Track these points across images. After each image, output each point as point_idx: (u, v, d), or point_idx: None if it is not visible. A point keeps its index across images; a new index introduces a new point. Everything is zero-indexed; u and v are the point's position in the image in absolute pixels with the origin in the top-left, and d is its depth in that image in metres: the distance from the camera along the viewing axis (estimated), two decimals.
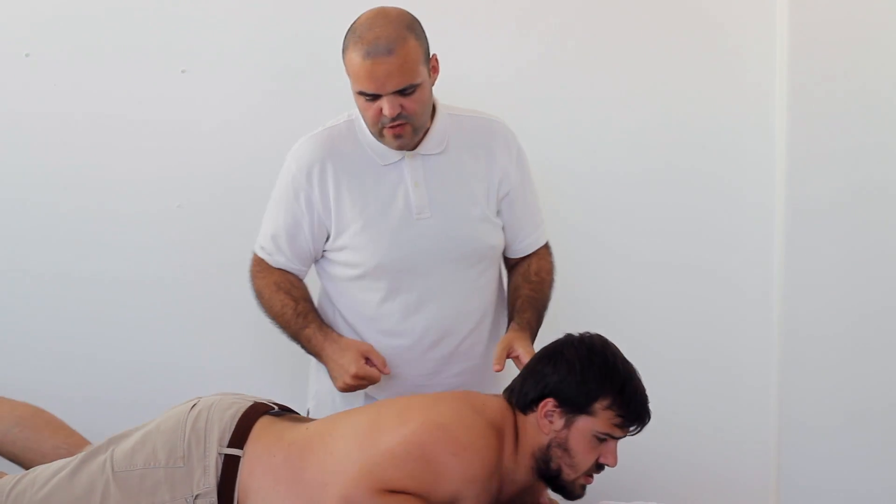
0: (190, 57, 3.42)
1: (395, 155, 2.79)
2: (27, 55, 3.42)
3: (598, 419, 2.44)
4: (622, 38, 3.42)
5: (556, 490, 2.51)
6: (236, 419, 2.54)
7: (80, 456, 2.57)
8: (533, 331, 2.83)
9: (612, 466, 2.49)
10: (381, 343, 2.82)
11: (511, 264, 2.96)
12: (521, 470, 2.49)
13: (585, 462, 2.46)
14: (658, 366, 3.44)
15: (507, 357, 2.76)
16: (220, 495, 2.47)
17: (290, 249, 2.87)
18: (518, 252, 2.93)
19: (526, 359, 2.67)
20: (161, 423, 2.58)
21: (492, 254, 2.86)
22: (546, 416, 2.46)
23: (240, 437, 2.52)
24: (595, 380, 2.44)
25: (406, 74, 2.65)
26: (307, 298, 2.88)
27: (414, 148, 2.78)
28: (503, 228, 2.88)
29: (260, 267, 2.93)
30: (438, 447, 2.36)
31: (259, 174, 3.43)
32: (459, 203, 2.80)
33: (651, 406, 3.40)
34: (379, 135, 2.74)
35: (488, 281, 2.87)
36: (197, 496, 2.47)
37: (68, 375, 3.44)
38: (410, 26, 2.68)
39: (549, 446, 2.46)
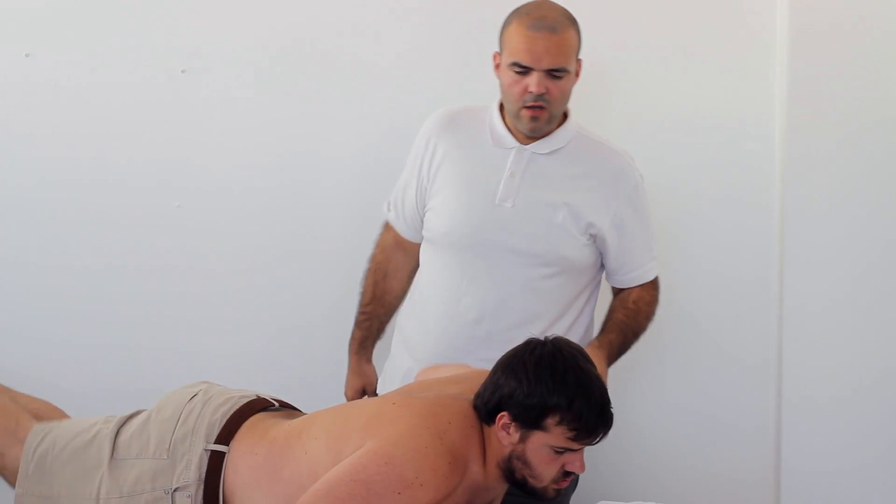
0: (190, 57, 3.43)
1: (509, 143, 2.89)
2: (27, 55, 3.42)
3: (551, 434, 2.37)
4: (622, 36, 3.42)
5: (527, 495, 2.46)
6: (227, 416, 2.54)
7: (97, 427, 2.59)
8: (612, 352, 2.91)
9: (580, 473, 2.44)
10: (433, 309, 2.94)
11: (615, 291, 3.02)
12: (491, 479, 2.46)
13: (548, 473, 2.41)
14: (655, 364, 3.46)
15: None
16: (207, 491, 2.47)
17: (402, 208, 3.03)
18: (619, 283, 2.99)
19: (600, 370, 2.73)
20: (161, 408, 2.59)
21: (563, 263, 2.88)
22: (503, 428, 2.41)
23: (227, 433, 2.52)
24: (542, 395, 2.35)
25: (561, 56, 2.79)
26: (383, 299, 3.08)
27: (535, 138, 2.88)
28: (607, 257, 2.93)
29: (382, 232, 3.11)
30: (382, 485, 2.31)
31: (259, 173, 3.46)
32: (544, 204, 2.86)
33: (650, 405, 3.44)
34: (517, 114, 2.85)
35: (554, 288, 2.89)
36: (176, 489, 2.47)
37: (67, 373, 3.45)
38: (573, 20, 2.85)
39: (509, 458, 2.42)
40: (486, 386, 2.45)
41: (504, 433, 2.40)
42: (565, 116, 2.93)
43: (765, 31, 3.36)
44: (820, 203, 3.32)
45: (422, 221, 3.00)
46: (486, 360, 2.82)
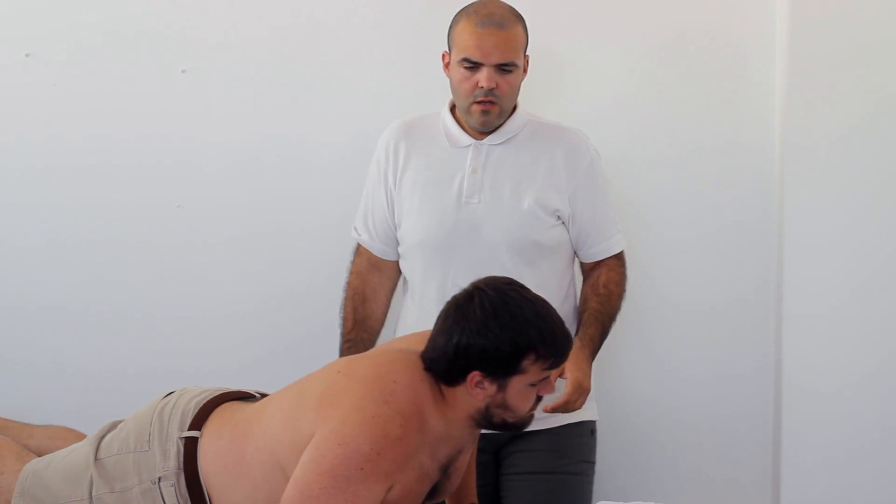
0: (190, 57, 3.43)
1: (464, 141, 2.94)
2: (27, 55, 3.42)
3: (529, 373, 2.40)
4: (624, 32, 3.42)
5: (505, 431, 2.52)
6: (200, 405, 2.58)
7: (89, 439, 2.64)
8: (595, 346, 2.94)
9: (552, 393, 2.48)
10: (422, 318, 2.90)
11: (584, 270, 3.05)
12: (456, 428, 2.47)
13: (527, 406, 2.46)
14: (654, 364, 3.46)
15: (559, 376, 2.79)
16: (188, 479, 2.51)
17: (373, 227, 3.05)
18: (586, 258, 3.02)
19: (571, 375, 2.79)
20: (139, 410, 2.64)
21: (536, 248, 2.92)
22: (476, 386, 2.42)
23: (199, 420, 2.56)
24: (513, 343, 2.37)
25: (510, 51, 2.85)
26: (364, 324, 3.06)
27: (489, 133, 2.93)
28: (573, 232, 2.97)
29: (354, 257, 3.10)
30: (345, 467, 2.33)
31: (259, 173, 3.46)
32: (510, 193, 2.91)
33: (649, 405, 3.43)
34: (468, 109, 2.90)
35: (535, 274, 2.89)
36: (160, 479, 2.51)
37: (68, 373, 3.44)
38: (519, 16, 2.91)
39: (487, 408, 2.44)
40: (439, 349, 2.43)
41: (478, 390, 2.41)
42: (514, 108, 2.97)
43: (764, 27, 3.37)
44: (820, 200, 3.31)
45: (395, 234, 3.02)
46: None
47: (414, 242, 2.97)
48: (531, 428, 2.71)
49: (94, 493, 2.54)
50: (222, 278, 3.46)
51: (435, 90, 3.27)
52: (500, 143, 2.94)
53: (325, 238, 3.41)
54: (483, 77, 2.85)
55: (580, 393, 2.84)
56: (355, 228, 3.08)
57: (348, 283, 3.09)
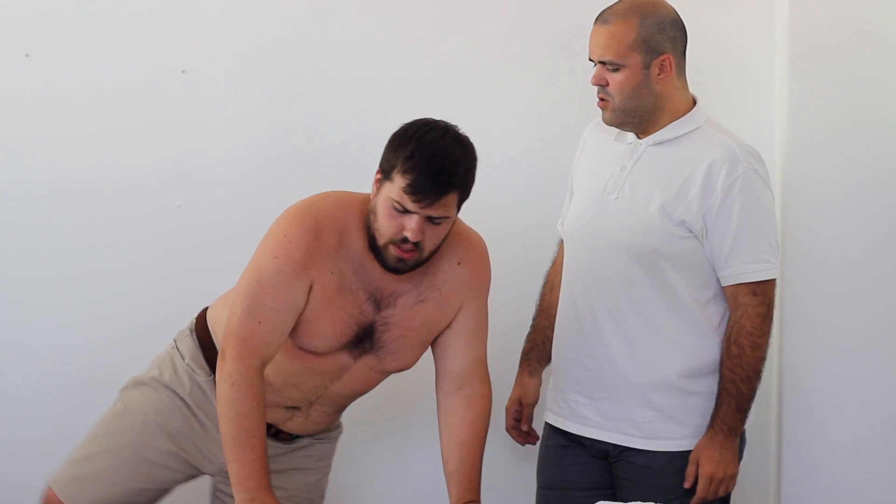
0: (190, 57, 3.42)
1: (629, 138, 2.87)
2: (27, 55, 3.42)
3: (394, 185, 2.55)
4: None
5: (378, 260, 2.64)
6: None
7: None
8: (729, 425, 2.80)
9: (412, 240, 2.57)
10: (557, 309, 2.98)
11: (729, 307, 2.84)
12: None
13: (387, 228, 2.58)
14: None
15: (696, 469, 2.83)
16: (199, 328, 2.88)
17: (563, 218, 3.02)
18: (721, 281, 2.82)
19: (701, 469, 2.80)
20: None
21: (656, 258, 2.79)
22: (375, 183, 2.63)
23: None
24: (394, 147, 2.57)
25: (608, 49, 2.74)
26: (547, 312, 3.05)
27: (651, 132, 2.83)
28: (706, 251, 2.81)
29: (557, 249, 3.10)
30: (262, 258, 2.64)
31: (259, 173, 3.46)
32: (643, 194, 2.81)
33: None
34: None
35: (653, 283, 2.81)
36: (176, 340, 2.91)
37: (68, 373, 3.44)
38: (644, 13, 2.75)
39: (370, 211, 2.63)
40: None
41: (374, 188, 2.62)
42: (693, 105, 2.86)
43: (764, 27, 3.37)
44: (820, 200, 3.33)
45: None
46: (590, 356, 2.88)
47: (564, 230, 2.98)
48: (628, 444, 2.84)
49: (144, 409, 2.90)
50: (222, 278, 3.44)
51: (441, 94, 3.29)
52: (657, 144, 2.83)
53: None
54: (593, 74, 2.79)
55: (714, 483, 2.83)
56: (560, 219, 3.06)
57: (546, 273, 3.10)
